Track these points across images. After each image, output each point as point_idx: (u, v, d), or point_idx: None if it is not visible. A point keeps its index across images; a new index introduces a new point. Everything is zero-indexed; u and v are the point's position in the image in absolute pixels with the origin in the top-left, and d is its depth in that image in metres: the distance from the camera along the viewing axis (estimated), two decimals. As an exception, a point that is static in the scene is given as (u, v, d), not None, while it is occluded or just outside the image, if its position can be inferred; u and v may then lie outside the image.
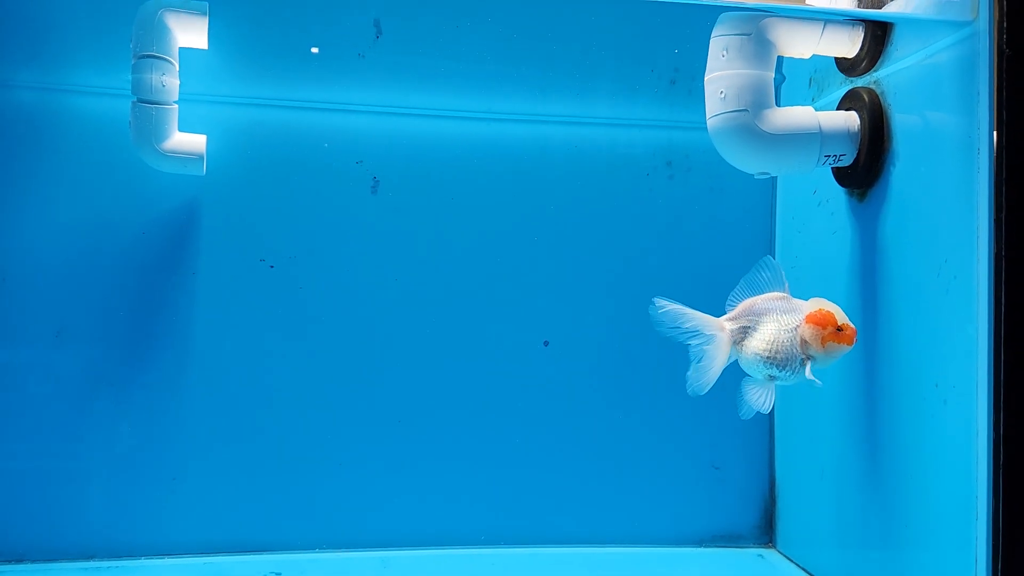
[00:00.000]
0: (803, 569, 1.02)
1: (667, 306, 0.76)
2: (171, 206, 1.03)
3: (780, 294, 0.75)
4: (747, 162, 0.85)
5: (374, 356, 1.06)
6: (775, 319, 0.74)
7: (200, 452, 1.02)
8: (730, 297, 0.78)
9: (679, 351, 1.10)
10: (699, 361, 0.76)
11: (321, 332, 1.05)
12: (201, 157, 0.98)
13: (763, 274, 0.77)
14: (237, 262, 1.04)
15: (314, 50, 1.04)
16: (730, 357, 0.76)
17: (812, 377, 0.73)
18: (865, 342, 0.88)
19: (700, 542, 1.10)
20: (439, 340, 1.07)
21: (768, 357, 0.73)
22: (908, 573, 0.79)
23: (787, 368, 0.73)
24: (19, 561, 0.98)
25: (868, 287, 0.87)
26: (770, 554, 1.08)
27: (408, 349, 1.07)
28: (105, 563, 0.98)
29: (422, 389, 1.07)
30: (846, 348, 0.73)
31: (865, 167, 0.85)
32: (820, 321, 0.72)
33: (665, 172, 1.12)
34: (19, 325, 0.99)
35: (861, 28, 0.86)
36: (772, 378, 0.75)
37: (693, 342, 0.76)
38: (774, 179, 1.13)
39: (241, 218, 1.04)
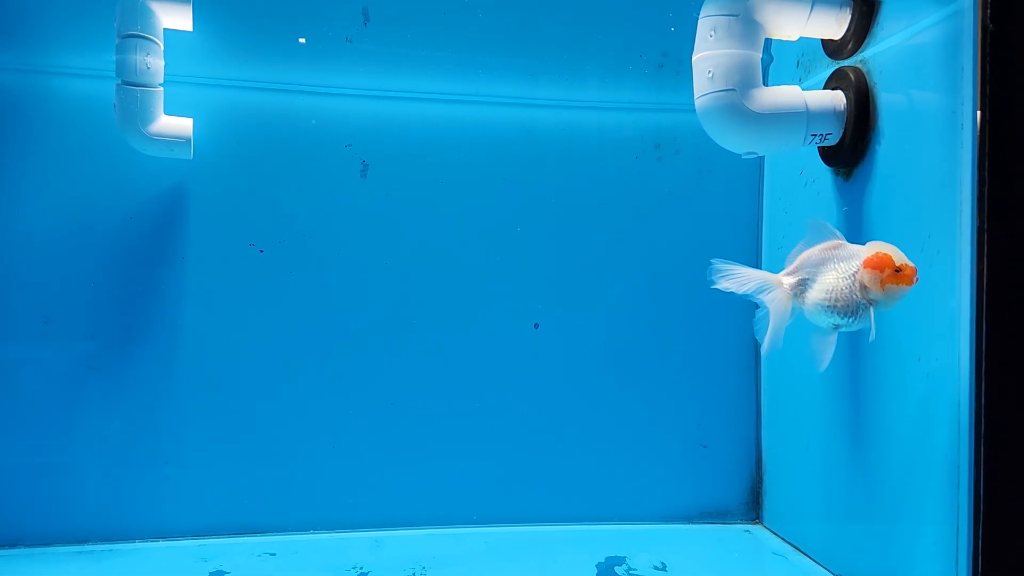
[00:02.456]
0: (790, 543, 1.03)
1: (725, 268, 0.75)
2: (159, 190, 1.03)
3: (836, 242, 0.74)
4: (734, 141, 0.86)
5: (366, 339, 1.06)
6: (833, 267, 0.73)
7: (192, 435, 1.03)
8: (789, 256, 0.77)
9: (667, 331, 1.11)
10: (764, 319, 0.76)
11: (312, 316, 1.05)
12: (188, 140, 0.97)
13: (816, 232, 0.76)
14: (227, 247, 1.04)
15: (301, 40, 1.04)
16: (793, 311, 0.76)
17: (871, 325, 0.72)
18: (850, 319, 0.89)
19: (688, 519, 1.11)
20: (430, 323, 1.08)
21: (829, 306, 0.73)
22: (893, 545, 0.81)
23: (850, 315, 0.72)
24: (13, 546, 0.98)
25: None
26: (757, 530, 1.10)
27: (399, 332, 1.07)
28: (99, 547, 0.99)
29: (413, 372, 1.07)
30: (907, 288, 0.71)
31: (851, 146, 0.86)
32: (878, 264, 0.70)
33: (654, 154, 1.12)
34: (6, 312, 0.98)
35: (849, 9, 0.87)
36: (837, 327, 0.74)
37: (755, 300, 0.76)
38: (761, 160, 1.13)
39: (230, 202, 1.04)
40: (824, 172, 0.95)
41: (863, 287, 0.71)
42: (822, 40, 0.93)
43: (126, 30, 0.93)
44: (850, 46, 0.88)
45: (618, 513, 1.10)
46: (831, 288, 0.73)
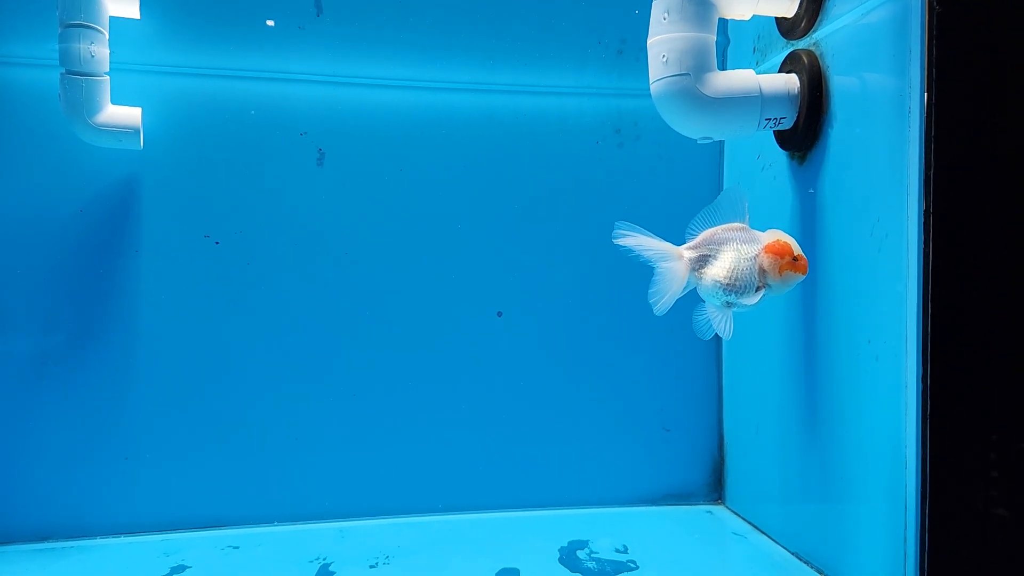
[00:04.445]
0: (750, 523, 1.05)
1: (629, 233, 0.77)
2: (109, 182, 1.01)
3: (740, 225, 0.77)
4: (689, 126, 0.85)
5: (326, 330, 1.06)
6: (735, 248, 0.76)
7: (152, 430, 1.02)
8: (690, 225, 0.79)
9: (629, 318, 1.12)
10: (658, 285, 0.77)
11: (271, 307, 1.04)
12: (137, 130, 0.95)
13: (727, 202, 0.78)
14: (181, 238, 1.02)
15: (270, 23, 1.01)
16: (688, 284, 0.78)
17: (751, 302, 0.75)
18: (804, 302, 0.90)
19: (652, 501, 1.13)
20: (391, 312, 1.07)
21: (727, 285, 0.75)
22: (844, 522, 0.82)
23: (744, 295, 0.75)
24: (-29, 545, 0.97)
25: (807, 249, 0.88)
26: (719, 510, 1.11)
27: (360, 322, 1.06)
28: (60, 544, 0.98)
29: (375, 361, 1.07)
30: (800, 277, 0.76)
31: (804, 130, 0.86)
32: (779, 251, 0.75)
33: (614, 140, 1.11)
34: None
35: (799, -15, 0.86)
36: (729, 304, 0.77)
37: (654, 267, 0.78)
38: (721, 145, 1.13)
39: (184, 193, 1.02)
40: (780, 156, 0.95)
41: (762, 270, 0.75)
42: (776, 19, 0.92)
43: (69, 19, 0.90)
44: (803, 25, 0.87)
45: (582, 498, 1.11)
46: (732, 268, 0.75)
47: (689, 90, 0.82)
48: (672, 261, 0.77)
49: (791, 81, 0.86)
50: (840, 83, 0.82)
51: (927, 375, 0.69)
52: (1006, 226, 0.69)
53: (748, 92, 0.84)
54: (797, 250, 0.75)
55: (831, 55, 0.84)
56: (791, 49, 0.90)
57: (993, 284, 0.69)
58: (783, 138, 0.91)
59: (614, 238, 0.77)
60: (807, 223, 0.89)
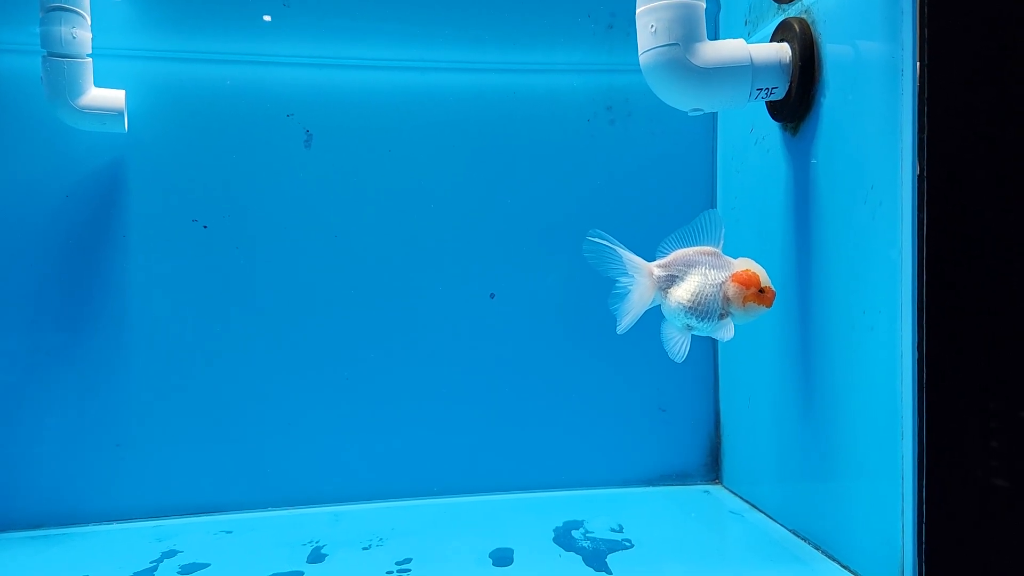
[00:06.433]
0: (748, 502, 1.04)
1: (600, 243, 0.77)
2: (95, 166, 1.00)
3: (713, 249, 0.76)
4: (679, 98, 0.84)
5: (317, 313, 1.05)
6: (703, 273, 0.76)
7: (144, 416, 1.01)
8: (663, 243, 0.79)
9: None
10: (623, 299, 0.78)
11: (260, 291, 1.03)
12: (121, 113, 0.94)
13: (703, 226, 0.77)
14: (169, 223, 1.01)
15: (266, 18, 1.00)
16: (653, 301, 0.78)
17: (725, 333, 0.76)
18: (799, 275, 0.88)
19: (649, 482, 1.12)
20: (382, 295, 1.06)
21: (690, 308, 0.75)
22: (842, 498, 0.81)
23: (705, 320, 0.76)
24: (-36, 534, 0.97)
25: (802, 221, 0.87)
26: (716, 490, 1.10)
27: (351, 305, 1.05)
28: (53, 531, 0.97)
29: (367, 345, 1.06)
30: (764, 310, 0.76)
31: (797, 99, 0.84)
32: (745, 281, 0.75)
33: (606, 117, 1.10)
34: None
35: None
36: (689, 327, 0.77)
37: (621, 280, 0.78)
38: (714, 120, 1.12)
39: (170, 177, 1.01)
40: (773, 128, 0.93)
41: (726, 299, 0.75)
42: (768, -13, 0.91)
43: (50, 2, 0.89)
44: (794, -13, 0.86)
45: (578, 479, 1.10)
46: (697, 292, 0.75)
47: (679, 61, 0.80)
48: (641, 277, 0.76)
49: (782, 50, 0.84)
50: (832, 50, 0.81)
51: (923, 343, 0.68)
52: (1001, 189, 0.67)
53: (739, 62, 0.82)
54: (765, 281, 0.75)
55: (823, 22, 0.82)
56: (783, 17, 0.88)
57: (989, 248, 0.67)
58: (775, 109, 0.90)
59: (586, 248, 0.77)
60: (801, 194, 0.88)
